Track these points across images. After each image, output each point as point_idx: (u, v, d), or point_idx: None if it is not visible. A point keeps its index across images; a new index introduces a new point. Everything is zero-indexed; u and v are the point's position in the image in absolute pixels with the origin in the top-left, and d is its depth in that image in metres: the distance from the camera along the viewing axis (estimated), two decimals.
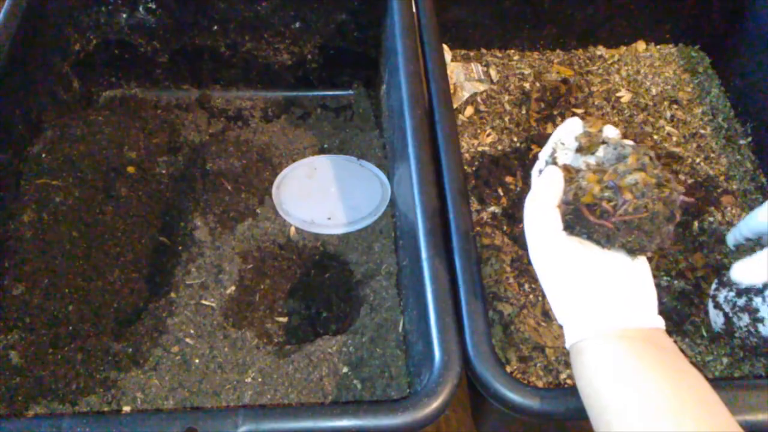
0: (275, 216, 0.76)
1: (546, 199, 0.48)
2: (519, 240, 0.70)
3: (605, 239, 0.47)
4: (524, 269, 0.67)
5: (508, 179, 0.75)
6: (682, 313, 0.65)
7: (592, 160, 0.51)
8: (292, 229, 0.74)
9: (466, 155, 0.78)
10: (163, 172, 0.80)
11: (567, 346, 0.46)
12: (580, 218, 0.48)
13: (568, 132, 0.52)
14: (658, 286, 0.50)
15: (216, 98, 0.90)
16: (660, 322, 0.46)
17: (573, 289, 0.46)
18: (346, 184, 0.79)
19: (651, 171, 0.47)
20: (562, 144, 0.52)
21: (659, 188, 0.47)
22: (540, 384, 0.60)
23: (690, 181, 0.78)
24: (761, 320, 0.58)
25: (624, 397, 0.41)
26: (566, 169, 0.50)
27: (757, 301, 0.59)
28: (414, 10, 0.78)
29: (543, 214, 0.47)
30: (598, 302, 0.45)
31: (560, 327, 0.47)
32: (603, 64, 0.90)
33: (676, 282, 0.68)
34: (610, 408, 0.41)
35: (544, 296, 0.65)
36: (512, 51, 0.92)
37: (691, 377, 0.42)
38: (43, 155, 0.73)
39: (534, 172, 0.54)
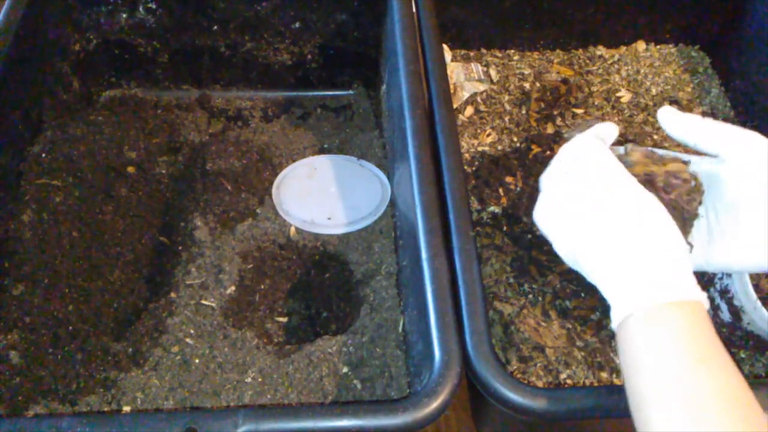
0: (275, 216, 0.76)
1: (599, 135, 0.47)
2: (519, 240, 0.70)
3: None
4: (524, 269, 0.67)
5: (508, 179, 0.75)
6: None
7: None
8: (292, 229, 0.74)
9: (466, 155, 0.78)
10: (163, 172, 0.80)
11: (614, 326, 0.44)
12: None
13: (601, 136, 0.51)
14: None
15: (216, 98, 0.90)
16: (703, 297, 0.44)
17: (637, 231, 0.44)
18: (346, 184, 0.79)
19: (687, 174, 0.49)
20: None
21: (690, 194, 0.48)
22: (540, 384, 0.60)
23: None
24: (717, 307, 0.59)
25: (666, 386, 0.40)
26: None
27: (711, 290, 0.60)
28: (414, 10, 0.78)
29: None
30: (653, 258, 0.43)
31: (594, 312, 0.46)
32: (603, 64, 0.90)
33: None
34: (650, 398, 0.40)
35: (544, 296, 0.65)
36: (512, 51, 0.92)
37: (732, 374, 0.41)
38: (43, 155, 0.73)
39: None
